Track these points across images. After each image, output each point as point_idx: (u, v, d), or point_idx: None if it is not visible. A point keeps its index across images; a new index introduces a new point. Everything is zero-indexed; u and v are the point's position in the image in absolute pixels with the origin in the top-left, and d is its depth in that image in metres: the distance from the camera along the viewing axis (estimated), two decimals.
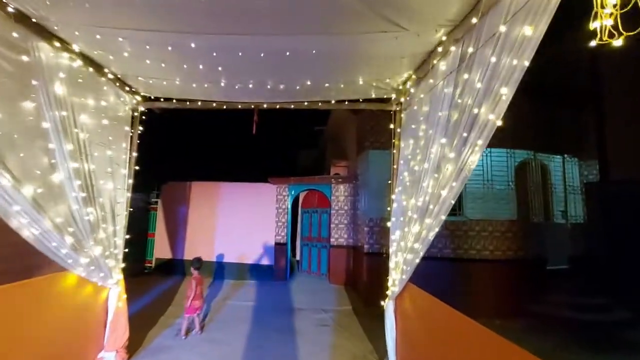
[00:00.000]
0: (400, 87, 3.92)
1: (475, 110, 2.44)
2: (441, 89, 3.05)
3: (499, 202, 7.18)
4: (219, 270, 9.30)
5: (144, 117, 4.58)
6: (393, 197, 4.18)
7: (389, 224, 4.21)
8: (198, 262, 5.49)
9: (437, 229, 2.98)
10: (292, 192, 9.51)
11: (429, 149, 3.16)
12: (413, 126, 3.63)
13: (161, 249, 9.77)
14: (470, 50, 2.55)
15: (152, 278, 8.82)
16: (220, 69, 3.20)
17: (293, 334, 5.30)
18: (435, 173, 3.01)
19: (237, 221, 9.45)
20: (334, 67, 3.29)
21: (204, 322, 5.71)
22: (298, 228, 10.91)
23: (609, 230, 7.19)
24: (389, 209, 4.34)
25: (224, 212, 9.58)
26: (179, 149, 9.82)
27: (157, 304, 6.61)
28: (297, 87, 3.85)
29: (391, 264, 4.09)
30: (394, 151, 4.26)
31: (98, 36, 2.69)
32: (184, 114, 9.22)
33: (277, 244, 9.19)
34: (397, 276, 3.81)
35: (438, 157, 2.99)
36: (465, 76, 2.62)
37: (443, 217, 2.87)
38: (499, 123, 2.22)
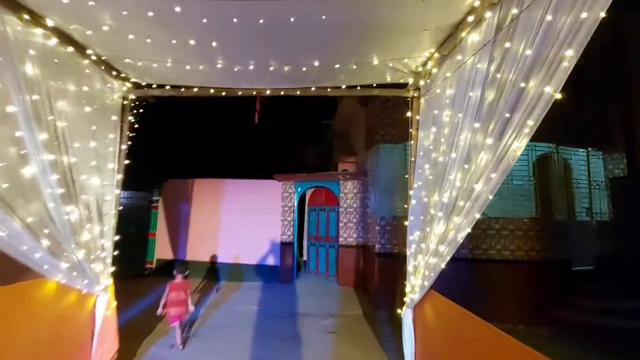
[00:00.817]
0: (420, 69, 3.47)
1: (522, 85, 2.00)
2: (472, 65, 2.61)
3: (518, 199, 6.70)
4: (222, 271, 8.93)
5: (137, 108, 4.21)
6: (411, 193, 3.73)
7: (406, 223, 3.77)
8: (182, 266, 5.05)
9: (468, 229, 2.53)
10: (299, 190, 9.10)
11: (456, 137, 2.71)
12: (435, 112, 3.18)
13: (162, 249, 9.44)
14: (514, 11, 2.10)
15: (152, 280, 8.47)
16: (214, 44, 2.77)
17: (298, 343, 4.89)
18: (465, 164, 2.57)
19: (241, 220, 9.08)
20: (347, 41, 2.85)
21: (189, 331, 5.26)
22: (305, 227, 10.50)
23: (637, 227, 6.68)
24: (405, 206, 3.90)
25: (228, 210, 9.21)
26: (181, 145, 9.47)
27: (155, 309, 6.24)
28: (304, 69, 3.42)
29: (409, 268, 3.66)
30: (412, 142, 3.82)
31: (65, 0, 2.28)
32: (185, 108, 8.83)
33: (282, 243, 8.79)
34: (416, 282, 3.37)
35: (468, 145, 2.55)
36: (507, 45, 2.16)
37: (477, 216, 2.43)
38: (558, 96, 1.78)
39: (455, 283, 4.34)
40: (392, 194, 6.73)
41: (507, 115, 2.10)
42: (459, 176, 2.64)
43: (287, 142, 10.81)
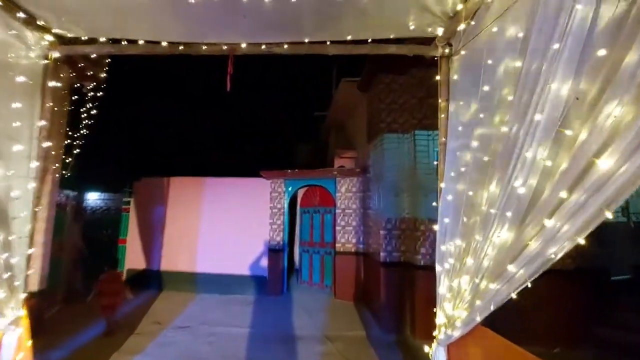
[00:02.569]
0: (460, 6, 2.44)
1: None
2: None
3: None
4: (202, 283, 7.79)
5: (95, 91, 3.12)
6: (442, 186, 2.71)
7: (434, 227, 2.74)
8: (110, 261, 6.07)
9: (577, 240, 1.50)
10: (290, 189, 8.02)
11: (536, 95, 1.69)
12: (490, 61, 2.15)
13: (134, 257, 8.25)
14: None
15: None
16: None
17: None
18: (569, 129, 1.54)
19: (224, 224, 7.96)
20: None
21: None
22: (296, 231, 9.41)
23: None
24: (434, 204, 2.88)
25: (209, 213, 8.09)
26: (155, 138, 8.33)
27: (116, 331, 5.11)
28: (293, 11, 2.38)
29: (441, 290, 2.63)
30: (441, 116, 2.79)
31: None
32: (159, 93, 7.69)
33: (271, 250, 7.69)
34: (457, 312, 2.34)
35: (565, 101, 1.54)
36: None
37: (608, 215, 1.38)
38: None
39: None
40: (399, 192, 5.72)
41: None
42: (546, 152, 1.62)
43: (276, 135, 9.69)
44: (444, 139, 2.77)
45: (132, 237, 8.34)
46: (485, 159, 2.09)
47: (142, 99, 7.14)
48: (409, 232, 5.54)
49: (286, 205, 7.98)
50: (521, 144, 1.76)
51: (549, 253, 1.61)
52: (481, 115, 2.20)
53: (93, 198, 7.97)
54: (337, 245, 7.43)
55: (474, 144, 2.28)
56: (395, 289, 5.59)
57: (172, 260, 8.00)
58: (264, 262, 7.68)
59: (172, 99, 7.19)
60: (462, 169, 2.40)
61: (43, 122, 2.78)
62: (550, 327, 4.95)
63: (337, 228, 7.50)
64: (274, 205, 7.87)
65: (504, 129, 1.91)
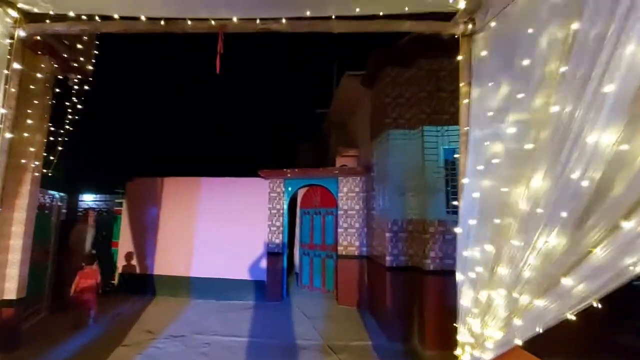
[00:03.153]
0: None
1: None
2: None
3: None
4: (197, 288, 7.41)
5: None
6: (464, 182, 2.36)
7: (457, 229, 2.39)
8: (90, 258, 5.75)
9: None
10: (289, 189, 7.65)
11: (601, 63, 1.34)
12: (530, 30, 1.79)
13: (126, 261, 7.86)
14: None
15: (111, 299, 6.92)
16: None
17: None
18: None
19: (220, 225, 7.59)
20: None
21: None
22: (296, 233, 9.04)
23: None
24: (455, 203, 2.53)
25: (204, 214, 7.71)
26: (149, 136, 7.93)
27: (102, 341, 4.75)
28: None
29: (464, 302, 2.29)
30: (463, 102, 2.44)
31: None
32: (151, 88, 7.31)
33: (270, 253, 7.32)
34: (488, 332, 1.98)
35: None
36: None
37: None
38: None
39: None
40: (405, 192, 5.35)
41: None
42: (619, 134, 1.27)
43: (275, 133, 9.30)
44: (466, 129, 2.42)
45: (124, 240, 7.96)
46: (527, 147, 1.73)
47: (135, 94, 6.77)
48: (417, 235, 5.18)
49: (285, 206, 7.62)
50: (579, 127, 1.41)
51: (625, 263, 1.25)
52: (518, 97, 1.84)
53: (87, 199, 7.59)
54: (339, 248, 7.06)
55: (509, 131, 1.92)
56: (402, 295, 5.23)
57: (166, 264, 7.62)
58: (263, 265, 7.30)
59: (167, 93, 6.82)
60: (493, 162, 2.04)
61: (5, 111, 2.41)
62: (567, 334, 4.58)
63: (339, 230, 7.13)
64: (273, 206, 7.50)
65: (554, 109, 1.55)
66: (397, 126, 5.51)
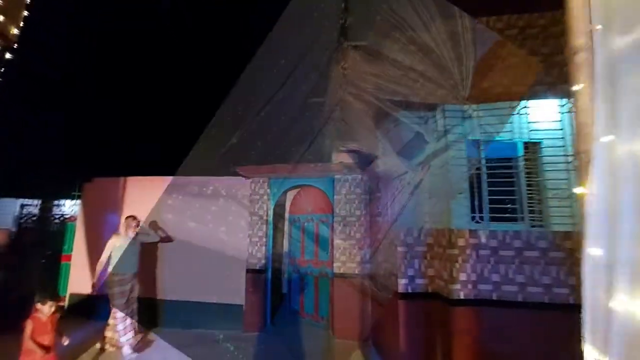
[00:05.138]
0: None
1: None
2: None
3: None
4: (162, 313, 6.02)
5: None
6: (595, 149, 1.01)
7: (588, 251, 1.03)
8: (45, 292, 3.50)
9: None
10: (275, 190, 6.30)
11: None
12: None
13: (80, 279, 6.50)
14: None
15: (64, 325, 5.53)
16: None
17: None
18: None
19: (192, 235, 6.22)
20: None
21: None
22: (285, 245, 7.64)
23: None
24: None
25: (173, 221, 6.36)
26: (108, 129, 6.64)
27: None
28: None
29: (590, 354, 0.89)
30: (579, 41, 1.13)
31: None
32: (110, 76, 5.99)
33: (250, 270, 5.93)
34: None
35: None
36: None
37: None
38: None
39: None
40: (422, 193, 4.03)
41: None
42: None
43: (258, 125, 7.93)
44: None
45: (77, 253, 6.61)
46: None
47: (89, 73, 5.49)
48: (440, 250, 3.83)
49: (271, 212, 6.26)
50: None
51: None
52: None
53: (26, 205, 6.28)
54: (335, 264, 5.66)
55: None
56: (421, 330, 3.85)
57: None
58: (241, 285, 5.90)
59: (127, 72, 5.55)
60: None
61: None
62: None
63: (336, 241, 5.74)
64: (255, 211, 6.12)
65: None
66: (409, 108, 4.21)
